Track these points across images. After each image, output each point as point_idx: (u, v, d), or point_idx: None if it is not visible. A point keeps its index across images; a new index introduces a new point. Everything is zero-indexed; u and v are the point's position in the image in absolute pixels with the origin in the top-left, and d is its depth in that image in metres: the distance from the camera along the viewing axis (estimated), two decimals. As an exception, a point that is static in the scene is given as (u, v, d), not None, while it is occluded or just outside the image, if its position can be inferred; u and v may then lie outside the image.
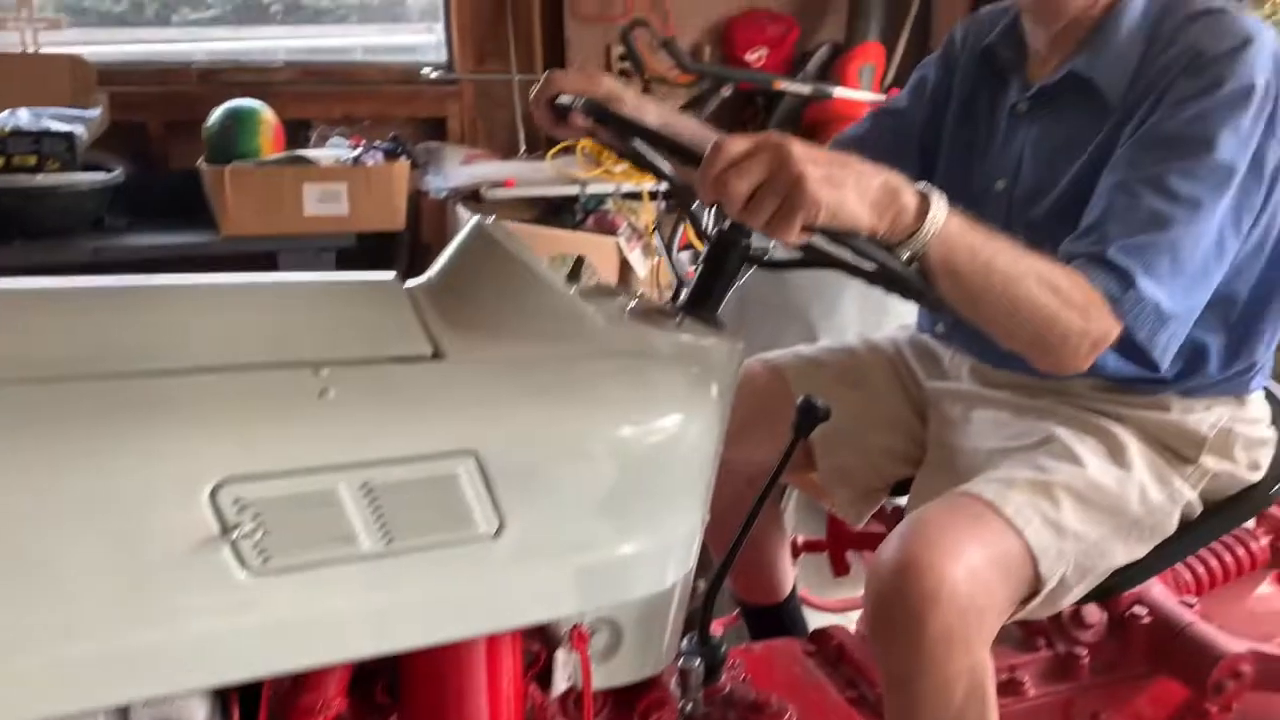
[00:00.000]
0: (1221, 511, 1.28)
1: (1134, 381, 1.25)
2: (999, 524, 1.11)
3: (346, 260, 2.89)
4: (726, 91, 3.27)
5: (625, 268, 3.00)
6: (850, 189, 0.93)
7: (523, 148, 3.36)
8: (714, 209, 1.04)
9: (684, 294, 1.17)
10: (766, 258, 1.18)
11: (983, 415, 1.34)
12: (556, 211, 3.10)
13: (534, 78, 3.30)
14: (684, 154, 1.05)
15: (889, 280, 1.04)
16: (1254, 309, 1.27)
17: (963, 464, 1.30)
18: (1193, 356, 1.25)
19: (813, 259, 1.10)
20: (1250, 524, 1.61)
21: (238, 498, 0.84)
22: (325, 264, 2.86)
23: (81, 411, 0.84)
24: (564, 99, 1.23)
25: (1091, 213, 1.14)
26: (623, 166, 3.11)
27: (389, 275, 1.10)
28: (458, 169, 3.10)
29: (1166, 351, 1.12)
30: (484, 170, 3.09)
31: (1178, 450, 1.26)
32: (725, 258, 1.14)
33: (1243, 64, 1.13)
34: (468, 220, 2.91)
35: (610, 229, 3.01)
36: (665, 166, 1.17)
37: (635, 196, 3.08)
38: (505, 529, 0.94)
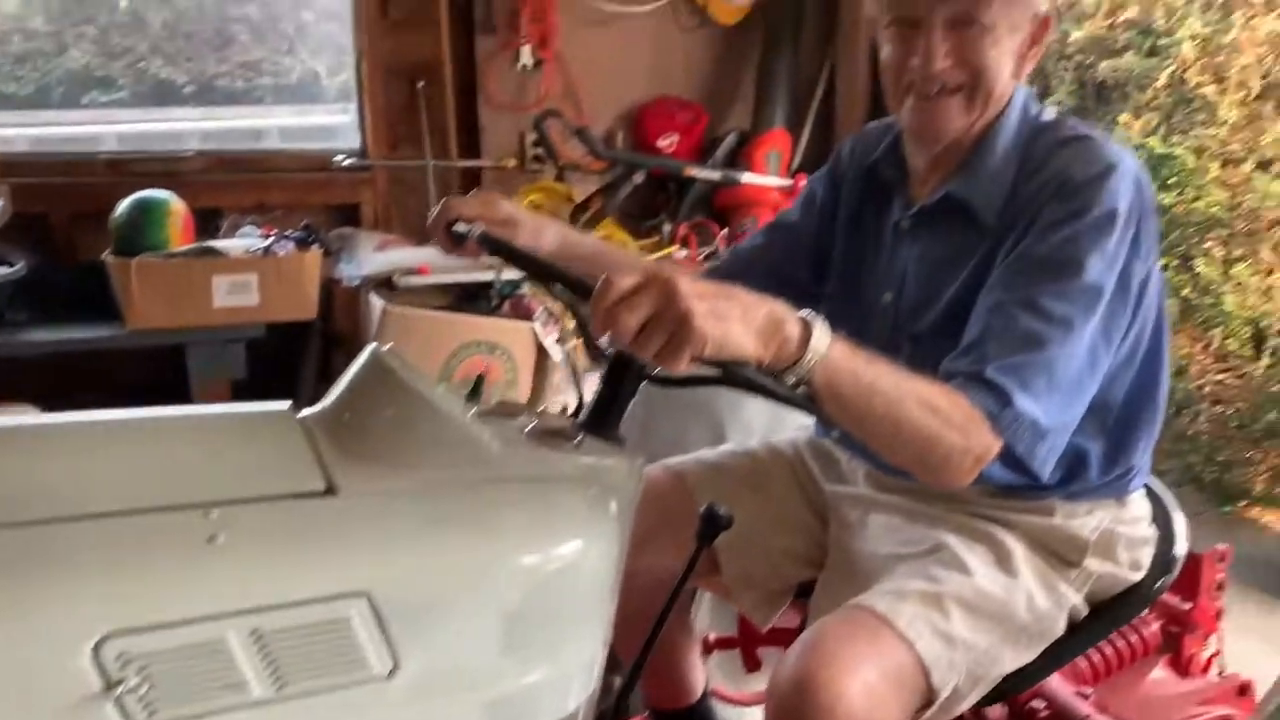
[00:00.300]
0: (1106, 612, 1.33)
1: (1019, 489, 1.30)
2: (892, 638, 1.14)
3: (256, 350, 2.85)
4: (639, 178, 3.34)
5: (542, 353, 3.00)
6: (735, 321, 0.97)
7: (438, 233, 3.37)
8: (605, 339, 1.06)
9: (584, 411, 1.19)
10: (663, 374, 1.21)
11: (878, 520, 1.37)
12: (471, 297, 3.10)
13: (449, 164, 3.38)
14: (575, 287, 1.08)
15: (779, 400, 1.08)
16: (1129, 415, 1.34)
17: (861, 569, 1.33)
18: (1074, 463, 1.31)
19: (709, 377, 1.13)
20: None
21: (122, 652, 0.83)
22: (235, 355, 2.82)
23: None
24: (460, 226, 1.25)
25: (971, 332, 1.19)
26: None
27: (283, 406, 1.10)
28: (371, 256, 3.09)
29: (1046, 463, 1.18)
30: (398, 257, 3.08)
31: (1062, 555, 1.30)
32: (623, 376, 1.16)
33: (1107, 190, 1.20)
34: (379, 308, 2.89)
35: (526, 314, 3.02)
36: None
37: (550, 282, 3.11)
38: (400, 669, 0.94)
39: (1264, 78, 3.72)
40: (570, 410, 1.24)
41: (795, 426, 1.63)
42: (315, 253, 2.94)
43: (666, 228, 3.41)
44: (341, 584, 0.92)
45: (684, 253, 3.37)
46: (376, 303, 2.88)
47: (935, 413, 1.09)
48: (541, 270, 1.16)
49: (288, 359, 3.05)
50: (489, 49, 3.40)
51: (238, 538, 0.91)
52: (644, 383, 1.21)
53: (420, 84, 3.35)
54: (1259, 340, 3.88)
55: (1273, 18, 3.68)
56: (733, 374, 1.04)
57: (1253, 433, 3.83)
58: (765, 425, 1.91)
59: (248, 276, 2.80)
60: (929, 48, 1.26)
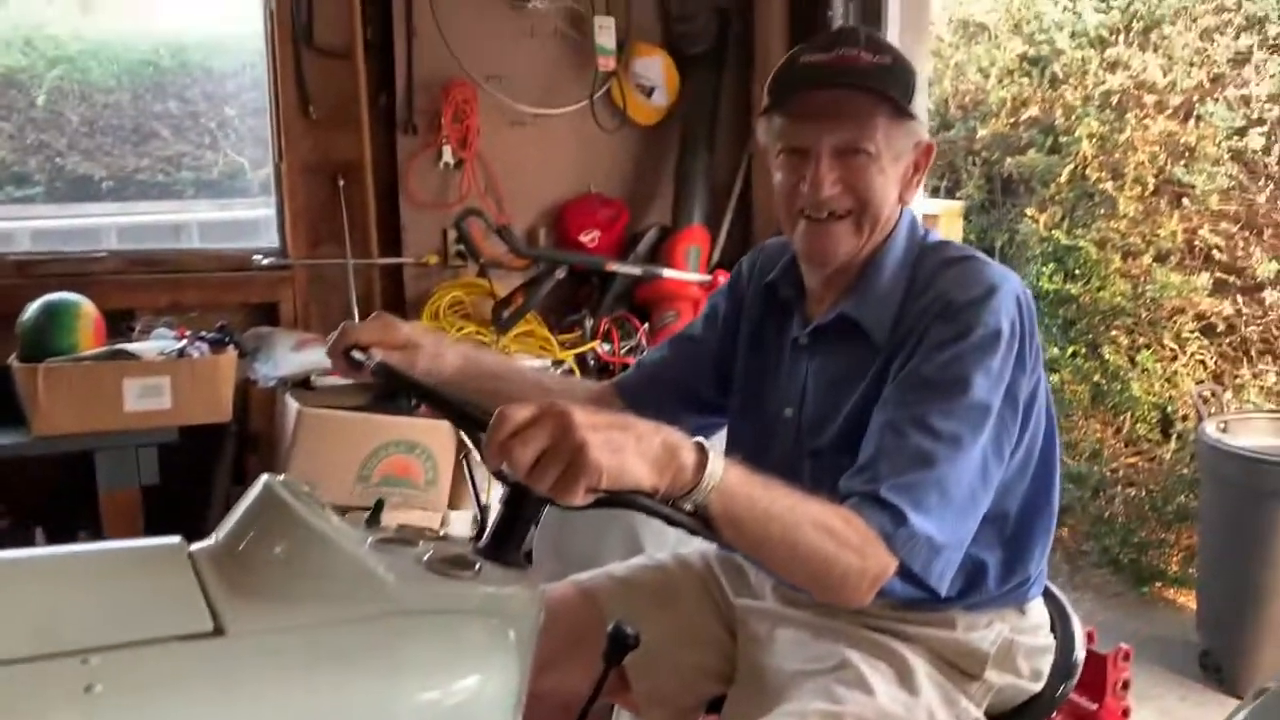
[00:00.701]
0: (1009, 723, 1.34)
1: (920, 602, 1.31)
2: (795, 760, 1.14)
3: (169, 455, 2.79)
4: (561, 273, 3.37)
5: (461, 448, 2.99)
6: (630, 452, 0.98)
7: (358, 330, 3.35)
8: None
9: (484, 537, 1.18)
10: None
11: (786, 635, 1.38)
12: (391, 396, 3.08)
13: (370, 262, 3.38)
14: (468, 420, 1.08)
15: (676, 526, 1.09)
16: (1024, 525, 1.37)
17: (769, 685, 1.33)
18: (972, 574, 1.33)
19: (615, 502, 1.13)
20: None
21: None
22: (146, 460, 2.75)
23: None
24: (357, 354, 1.25)
25: (865, 450, 1.22)
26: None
27: (174, 540, 1.08)
28: (288, 356, 3.06)
29: (943, 578, 1.20)
30: (315, 357, 3.06)
31: (963, 668, 1.32)
32: (523, 502, 1.16)
33: (989, 311, 1.24)
34: (295, 410, 2.85)
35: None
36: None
37: (471, 379, 3.10)
38: (291, 820, 0.91)
39: (1157, 175, 3.90)
40: (480, 519, 1.24)
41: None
42: (231, 354, 2.90)
43: (589, 322, 3.44)
44: (228, 733, 0.90)
45: (606, 346, 3.40)
46: (292, 404, 2.85)
47: (831, 534, 1.10)
48: (435, 401, 1.17)
49: (202, 463, 2.99)
50: (410, 148, 3.44)
51: (117, 686, 0.88)
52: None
53: (341, 182, 3.37)
54: (1166, 424, 4.00)
55: (1163, 118, 3.88)
56: (629, 503, 1.05)
57: (1165, 515, 3.92)
58: (679, 534, 1.92)
59: (160, 379, 2.75)
60: (817, 175, 1.31)
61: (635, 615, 1.19)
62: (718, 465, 1.04)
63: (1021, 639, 1.36)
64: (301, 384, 2.99)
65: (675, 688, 1.44)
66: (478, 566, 1.12)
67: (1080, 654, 1.44)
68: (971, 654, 1.32)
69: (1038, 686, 1.37)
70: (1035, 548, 1.38)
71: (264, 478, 1.11)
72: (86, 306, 2.83)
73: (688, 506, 1.04)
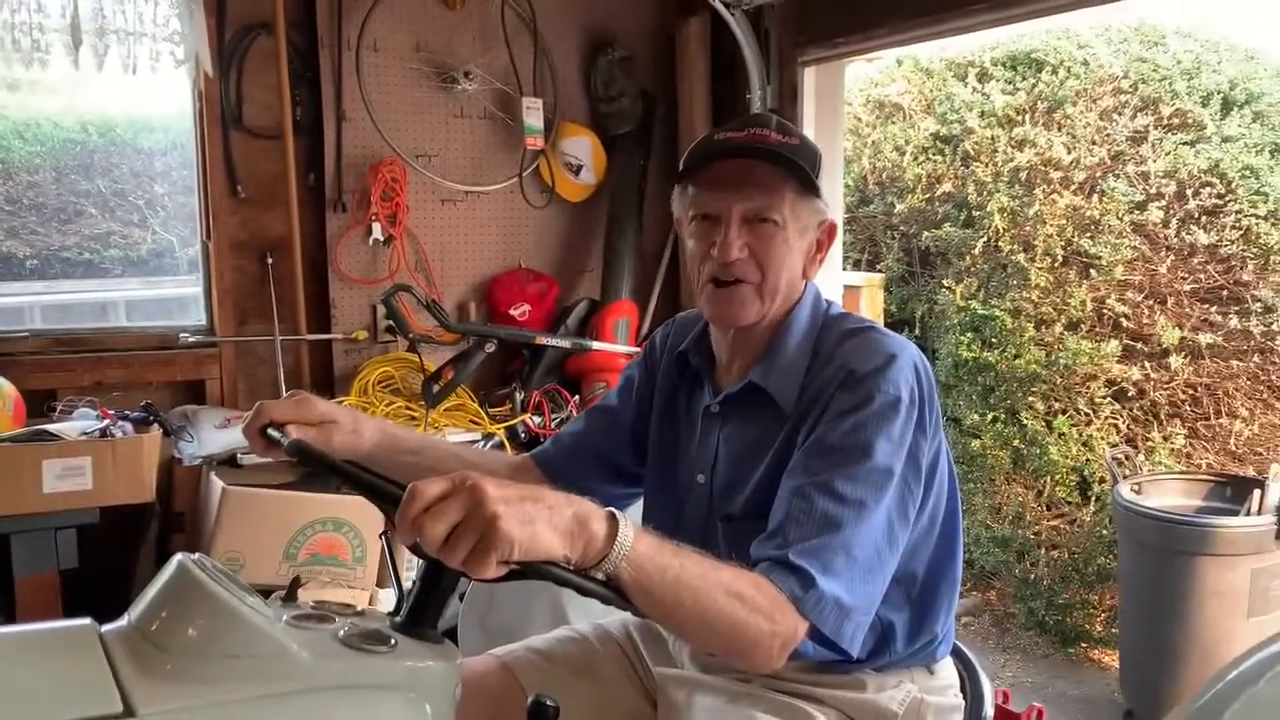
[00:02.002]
0: (920, 782, 1.37)
1: (831, 664, 1.35)
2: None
3: (89, 537, 2.74)
4: (491, 347, 3.40)
5: (384, 523, 2.97)
6: (542, 523, 1.01)
7: (287, 407, 3.34)
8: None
9: (400, 611, 1.20)
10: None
11: (703, 702, 1.40)
12: (309, 475, 3.07)
13: (299, 338, 3.38)
14: (381, 495, 1.11)
15: (590, 595, 1.11)
16: (931, 585, 1.41)
17: (687, 754, 1.35)
18: (881, 635, 1.37)
19: (528, 573, 1.15)
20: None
21: None
22: (65, 542, 2.70)
23: None
24: (273, 432, 1.27)
25: (774, 517, 1.26)
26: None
27: (84, 622, 1.08)
28: (214, 434, 3.04)
29: (854, 640, 1.23)
30: (241, 434, 3.04)
31: (874, 729, 1.35)
32: (439, 576, 1.18)
33: (888, 380, 1.30)
34: (219, 489, 2.81)
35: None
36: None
37: (401, 454, 3.10)
38: None
39: (1065, 246, 4.06)
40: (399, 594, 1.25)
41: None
42: (155, 433, 2.87)
43: (519, 395, 3.47)
44: (136, 815, 0.90)
45: (537, 419, 3.43)
46: (217, 482, 2.82)
47: (741, 600, 1.14)
48: (348, 477, 1.19)
49: (125, 543, 2.93)
50: (340, 225, 3.47)
51: (23, 772, 0.88)
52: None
53: (270, 259, 3.38)
54: (1085, 487, 4.11)
55: (1069, 193, 4.05)
56: (542, 573, 1.07)
57: (1087, 576, 4.01)
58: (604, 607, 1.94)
59: (81, 460, 2.71)
60: (726, 240, 1.37)
61: (555, 687, 1.21)
62: (628, 534, 1.07)
63: (930, 698, 1.40)
64: (227, 462, 2.96)
65: (596, 759, 1.45)
66: (393, 641, 1.13)
67: (989, 711, 1.48)
68: (880, 714, 1.36)
69: (947, 746, 1.41)
70: (942, 607, 1.43)
71: (178, 556, 1.12)
72: (6, 387, 2.79)
73: (600, 575, 1.07)
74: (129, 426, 2.86)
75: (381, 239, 3.47)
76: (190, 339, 3.29)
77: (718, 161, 1.38)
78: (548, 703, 1.20)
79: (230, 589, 1.08)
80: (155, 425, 2.92)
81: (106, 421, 2.85)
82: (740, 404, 1.43)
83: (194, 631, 1.05)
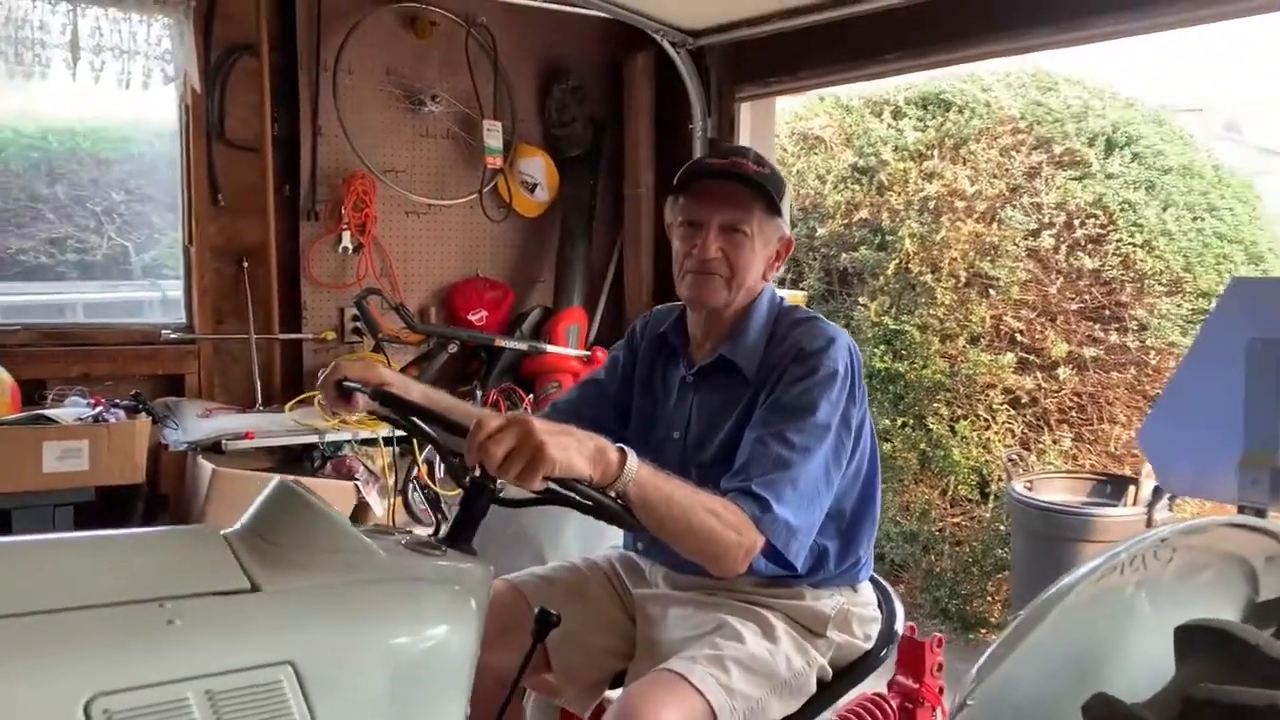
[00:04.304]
0: (847, 674, 1.74)
1: (778, 579, 1.70)
2: (688, 690, 1.49)
3: (84, 514, 2.95)
4: (453, 348, 3.70)
5: (362, 508, 3.24)
6: (574, 450, 1.34)
7: (259, 400, 3.58)
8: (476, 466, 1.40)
9: (444, 529, 1.51)
10: (504, 494, 1.55)
11: (675, 612, 1.74)
12: (296, 459, 3.32)
13: (272, 337, 3.64)
14: (453, 428, 1.42)
15: (599, 512, 1.44)
16: (855, 520, 1.78)
17: (662, 652, 1.67)
18: (817, 557, 1.73)
19: (542, 499, 1.48)
20: (885, 690, 2.08)
21: (107, 709, 1.07)
22: (63, 519, 2.91)
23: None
24: (349, 383, 1.58)
25: (740, 458, 1.61)
26: (359, 416, 3.41)
27: (206, 525, 1.37)
28: (197, 422, 3.28)
29: (798, 556, 1.58)
30: (224, 423, 3.28)
31: (811, 627, 1.71)
32: (476, 500, 1.49)
33: (830, 356, 1.67)
34: (209, 471, 3.06)
35: (348, 474, 3.27)
36: (432, 433, 1.53)
37: (371, 443, 3.38)
38: (316, 722, 1.20)
39: (968, 269, 4.50)
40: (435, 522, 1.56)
41: (607, 546, 1.99)
42: (145, 420, 3.11)
43: (478, 393, 3.76)
44: (273, 655, 1.19)
45: (493, 416, 3.72)
46: (206, 465, 3.06)
47: (716, 516, 1.48)
48: (426, 414, 1.50)
49: (113, 522, 3.15)
50: (312, 233, 3.74)
51: (191, 622, 1.17)
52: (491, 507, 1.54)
53: (246, 264, 3.63)
54: (984, 486, 4.53)
55: (971, 221, 4.50)
56: (571, 488, 1.40)
57: (985, 567, 4.42)
58: (579, 548, 2.26)
59: (79, 443, 2.94)
60: (706, 241, 1.72)
61: (553, 605, 1.52)
62: (634, 462, 1.41)
63: (855, 609, 1.76)
64: (212, 448, 3.20)
65: (586, 665, 1.77)
66: (443, 550, 1.45)
67: (900, 626, 1.85)
68: (816, 616, 1.71)
69: (869, 646, 1.77)
70: (863, 539, 1.79)
71: (277, 478, 1.42)
72: (3, 375, 3.00)
73: (611, 493, 1.41)
74: (121, 413, 3.09)
75: (351, 247, 3.74)
76: (172, 336, 3.51)
77: (704, 180, 1.74)
78: (552, 612, 1.52)
79: (321, 502, 1.39)
80: (144, 413, 3.15)
81: (100, 408, 3.08)
82: (711, 375, 1.78)
83: (299, 531, 1.35)
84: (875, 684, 2.00)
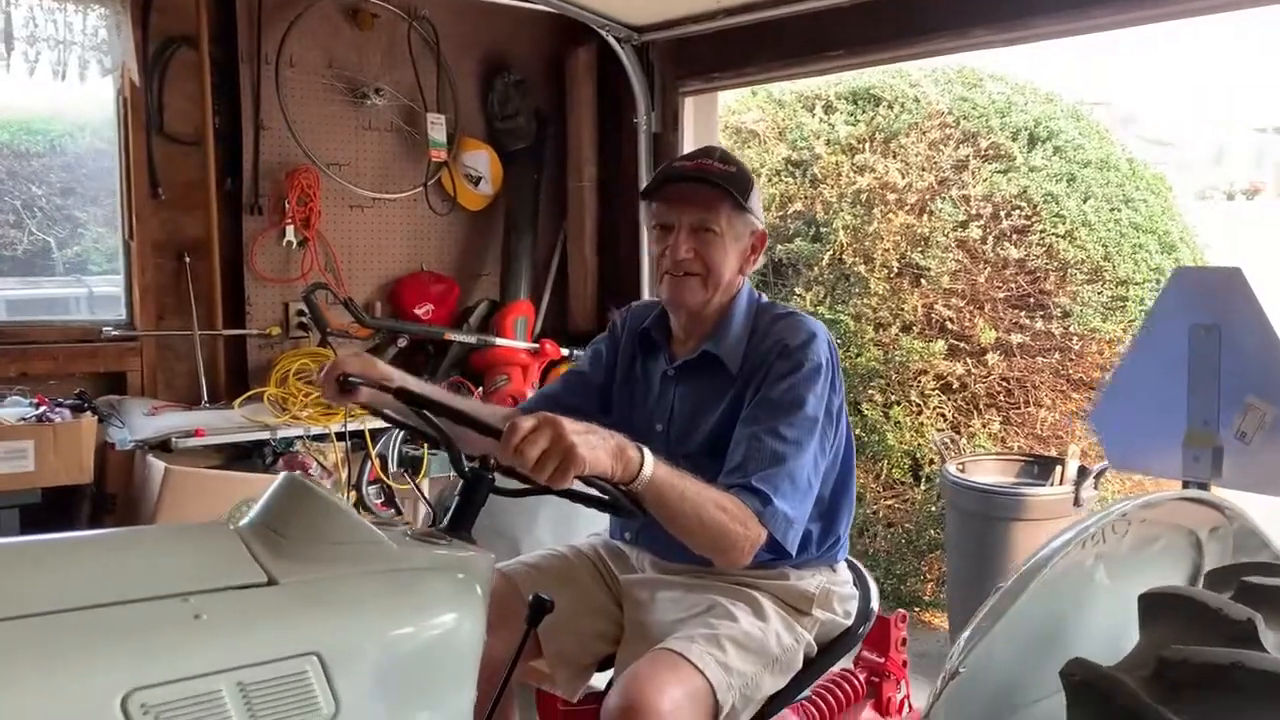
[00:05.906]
0: (830, 650, 1.82)
1: (765, 561, 1.77)
2: (688, 668, 1.55)
3: (30, 516, 2.89)
4: (403, 342, 3.69)
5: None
6: (600, 449, 1.39)
7: (205, 396, 3.53)
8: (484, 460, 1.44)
9: (447, 518, 1.54)
10: (501, 487, 1.58)
11: (664, 595, 1.80)
12: (247, 455, 3.28)
13: (215, 333, 3.58)
14: (485, 430, 1.45)
15: (614, 507, 1.49)
16: (834, 503, 1.86)
17: (653, 634, 1.73)
18: (802, 540, 1.80)
19: (545, 490, 1.51)
20: (851, 665, 2.18)
21: (144, 703, 1.09)
22: (8, 521, 2.85)
23: (15, 644, 1.06)
24: (353, 379, 1.59)
25: (736, 454, 1.68)
26: (309, 411, 3.40)
27: (218, 520, 1.38)
28: (144, 420, 3.22)
29: (794, 544, 1.66)
30: (172, 421, 3.23)
31: (797, 606, 1.79)
32: (475, 491, 1.53)
33: (813, 351, 1.75)
34: (161, 469, 3.02)
35: (301, 469, 3.24)
36: (441, 428, 1.56)
37: (323, 438, 3.36)
38: (340, 711, 1.23)
39: (900, 259, 4.64)
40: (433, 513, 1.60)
41: (586, 534, 2.04)
42: (90, 418, 3.05)
43: (426, 387, 3.76)
44: (298, 646, 1.22)
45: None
46: (158, 464, 3.02)
47: (725, 511, 1.55)
48: (452, 414, 1.52)
49: (59, 523, 3.08)
50: (256, 228, 3.69)
51: (216, 616, 1.19)
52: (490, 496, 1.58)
53: (188, 259, 3.57)
54: (917, 469, 4.69)
55: (903, 213, 4.64)
56: (592, 484, 1.45)
57: (919, 547, 4.58)
58: (552, 540, 2.31)
59: (24, 443, 2.87)
60: (677, 243, 1.78)
61: (544, 591, 1.56)
62: (650, 461, 1.47)
63: (835, 588, 1.85)
64: (160, 446, 3.15)
65: (576, 649, 1.82)
66: (448, 539, 1.48)
67: (875, 603, 1.94)
68: (801, 595, 1.79)
69: (849, 623, 1.86)
70: (841, 520, 1.88)
71: (285, 472, 1.43)
72: (-59, 375, 2.92)
73: (630, 490, 1.46)
74: (66, 413, 3.02)
75: (295, 241, 3.70)
76: (113, 333, 3.44)
77: (674, 184, 1.79)
78: (545, 598, 1.57)
79: (331, 495, 1.41)
80: (90, 411, 3.09)
81: (44, 408, 3.01)
82: (693, 369, 1.84)
83: (309, 524, 1.37)
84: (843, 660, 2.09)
